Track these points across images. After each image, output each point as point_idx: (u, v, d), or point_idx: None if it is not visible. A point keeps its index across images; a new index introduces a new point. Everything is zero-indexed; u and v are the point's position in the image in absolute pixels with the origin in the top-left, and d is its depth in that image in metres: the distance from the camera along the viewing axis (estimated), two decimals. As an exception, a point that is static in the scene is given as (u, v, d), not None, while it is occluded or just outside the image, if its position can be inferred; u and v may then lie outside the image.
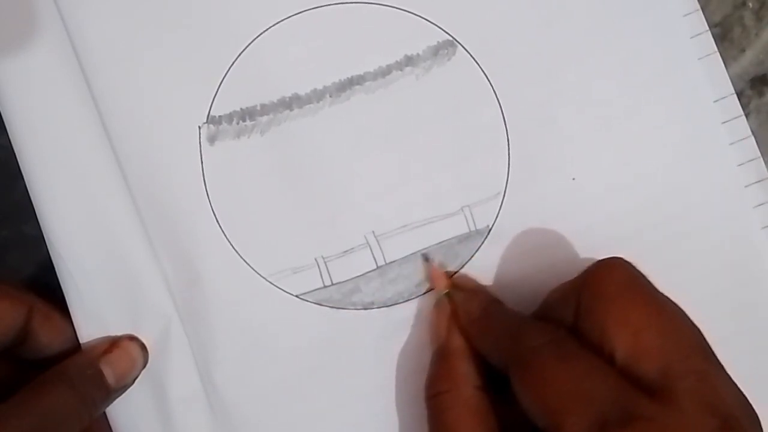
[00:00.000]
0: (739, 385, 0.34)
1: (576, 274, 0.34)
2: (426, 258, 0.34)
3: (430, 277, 0.34)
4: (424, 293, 0.34)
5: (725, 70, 0.34)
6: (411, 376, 0.34)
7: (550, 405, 0.26)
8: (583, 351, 0.27)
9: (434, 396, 0.30)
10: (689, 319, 0.28)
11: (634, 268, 0.29)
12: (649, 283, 0.28)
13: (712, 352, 0.27)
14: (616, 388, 0.25)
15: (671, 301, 0.28)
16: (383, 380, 0.34)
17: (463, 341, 0.31)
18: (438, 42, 0.34)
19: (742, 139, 0.34)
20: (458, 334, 0.31)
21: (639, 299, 0.27)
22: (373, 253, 0.34)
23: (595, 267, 0.29)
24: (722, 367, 0.27)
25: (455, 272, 0.34)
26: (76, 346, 0.33)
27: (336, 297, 0.34)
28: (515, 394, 0.27)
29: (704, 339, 0.27)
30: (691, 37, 0.34)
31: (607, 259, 0.29)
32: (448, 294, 0.33)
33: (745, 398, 0.26)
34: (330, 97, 0.34)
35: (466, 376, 0.30)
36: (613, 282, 0.28)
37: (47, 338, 0.32)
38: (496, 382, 0.30)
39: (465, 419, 0.29)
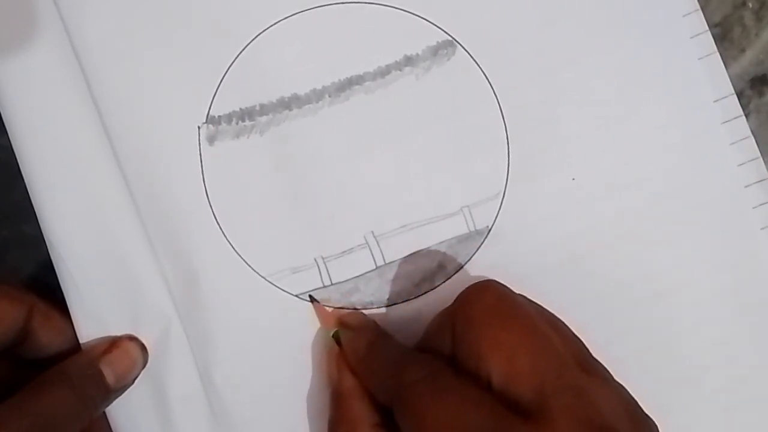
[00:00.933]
0: (740, 386, 0.34)
1: (576, 274, 0.34)
2: (312, 299, 0.34)
3: (318, 317, 0.34)
4: (425, 293, 0.34)
5: (725, 70, 0.34)
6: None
7: None
8: (458, 382, 0.27)
9: None
10: (568, 331, 0.28)
11: (505, 288, 0.29)
12: (520, 302, 0.28)
13: (594, 364, 0.27)
14: (490, 416, 0.25)
15: (546, 315, 0.28)
16: (383, 380, 0.34)
17: (355, 380, 0.31)
18: (437, 42, 0.34)
19: (742, 139, 0.34)
20: (349, 374, 0.32)
21: (510, 321, 0.27)
22: (372, 254, 0.34)
23: (465, 292, 0.29)
24: (605, 377, 0.27)
25: (343, 309, 0.34)
26: (76, 346, 0.33)
27: (335, 297, 0.34)
28: (400, 430, 0.28)
29: (584, 351, 0.27)
30: (691, 37, 0.34)
31: (478, 282, 0.29)
32: (336, 334, 0.33)
33: (631, 407, 0.26)
34: (329, 97, 0.34)
35: (361, 416, 0.30)
36: (484, 305, 0.28)
37: (47, 338, 0.32)
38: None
39: None
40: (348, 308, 0.34)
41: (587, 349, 0.28)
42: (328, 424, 0.31)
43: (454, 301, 0.29)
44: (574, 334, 0.28)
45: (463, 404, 0.26)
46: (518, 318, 0.27)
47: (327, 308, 0.34)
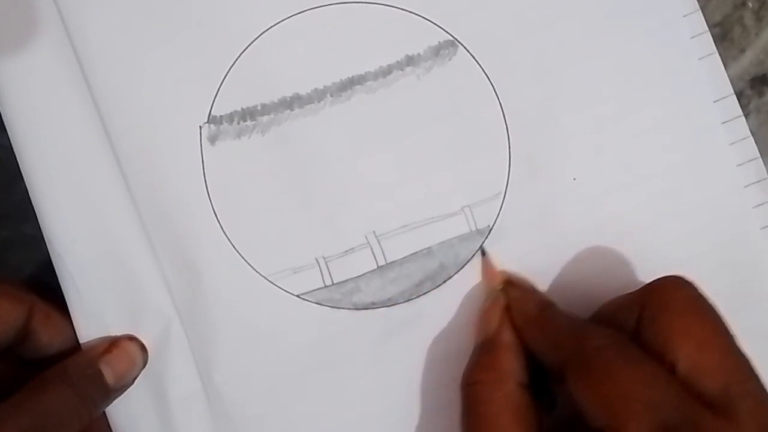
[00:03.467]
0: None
1: (576, 274, 0.34)
2: (483, 252, 0.34)
3: (484, 271, 0.34)
4: (426, 293, 0.34)
5: (725, 70, 0.34)
6: (411, 376, 0.34)
7: (611, 407, 0.26)
8: (647, 357, 0.27)
9: (473, 384, 0.30)
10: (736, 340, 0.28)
11: (699, 288, 0.29)
12: (713, 304, 0.29)
13: (756, 372, 0.27)
14: (680, 397, 0.26)
15: (728, 325, 0.28)
16: (383, 380, 0.34)
17: (514, 337, 0.31)
18: (439, 42, 0.34)
19: (741, 140, 0.35)
20: (510, 329, 0.31)
21: (704, 316, 0.28)
22: (373, 253, 0.34)
23: (661, 280, 0.29)
24: (764, 386, 0.27)
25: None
26: (75, 346, 0.33)
27: (336, 297, 0.34)
28: (573, 394, 0.27)
29: (753, 364, 0.28)
30: (691, 37, 0.34)
31: (674, 275, 0.29)
32: (503, 289, 0.33)
33: None
34: (331, 96, 0.34)
35: (511, 370, 0.30)
36: (680, 297, 0.28)
37: (47, 337, 0.32)
38: (536, 388, 0.30)
39: (504, 413, 0.29)
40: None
41: (750, 360, 0.28)
42: (466, 369, 0.31)
43: (646, 286, 0.29)
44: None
45: (654, 379, 0.26)
46: (712, 315, 0.28)
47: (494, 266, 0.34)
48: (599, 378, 0.27)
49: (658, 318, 0.28)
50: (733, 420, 0.25)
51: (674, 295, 0.28)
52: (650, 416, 0.25)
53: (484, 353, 0.31)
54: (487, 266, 0.34)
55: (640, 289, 0.29)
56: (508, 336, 0.31)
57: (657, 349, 0.27)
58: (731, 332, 0.28)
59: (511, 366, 0.30)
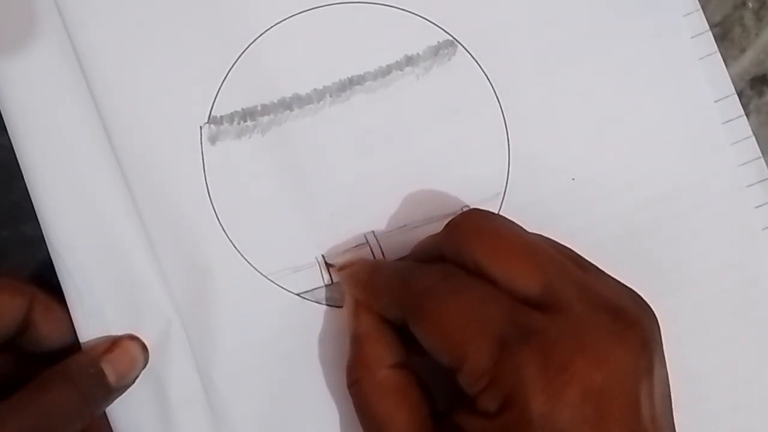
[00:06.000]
0: (743, 387, 0.34)
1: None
2: (327, 263, 0.34)
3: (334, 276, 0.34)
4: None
5: (725, 70, 0.34)
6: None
7: (450, 339, 0.26)
8: (472, 279, 0.27)
9: (352, 385, 0.30)
10: (554, 241, 0.29)
11: (489, 211, 0.30)
12: (507, 219, 0.29)
13: (586, 262, 0.28)
14: (509, 308, 0.26)
15: (530, 232, 0.29)
16: (383, 380, 0.34)
17: (371, 322, 0.31)
18: (438, 42, 0.34)
19: (742, 139, 0.35)
20: (365, 317, 0.31)
21: (499, 229, 0.28)
22: (373, 253, 0.34)
23: (452, 219, 0.29)
24: (599, 271, 0.28)
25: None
26: (75, 340, 0.33)
27: (337, 296, 0.34)
28: (419, 342, 0.28)
29: (574, 253, 0.29)
30: (691, 37, 0.34)
31: (464, 212, 0.31)
32: (340, 272, 0.33)
33: (630, 290, 0.28)
34: (330, 97, 0.34)
35: (376, 358, 0.30)
36: (474, 222, 0.29)
37: (48, 329, 0.32)
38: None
39: (384, 402, 0.29)
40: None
41: (576, 253, 0.29)
42: (345, 370, 0.31)
43: (442, 230, 0.30)
44: (559, 243, 0.29)
45: (482, 298, 0.26)
46: (506, 225, 0.29)
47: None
48: (432, 318, 0.27)
49: (461, 246, 0.28)
50: (561, 311, 0.26)
51: (468, 223, 0.29)
52: (486, 335, 0.26)
53: (350, 350, 0.31)
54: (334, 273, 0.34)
55: (440, 232, 0.30)
56: (364, 325, 0.31)
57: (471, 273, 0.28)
58: (534, 235, 0.29)
59: (375, 353, 0.30)
